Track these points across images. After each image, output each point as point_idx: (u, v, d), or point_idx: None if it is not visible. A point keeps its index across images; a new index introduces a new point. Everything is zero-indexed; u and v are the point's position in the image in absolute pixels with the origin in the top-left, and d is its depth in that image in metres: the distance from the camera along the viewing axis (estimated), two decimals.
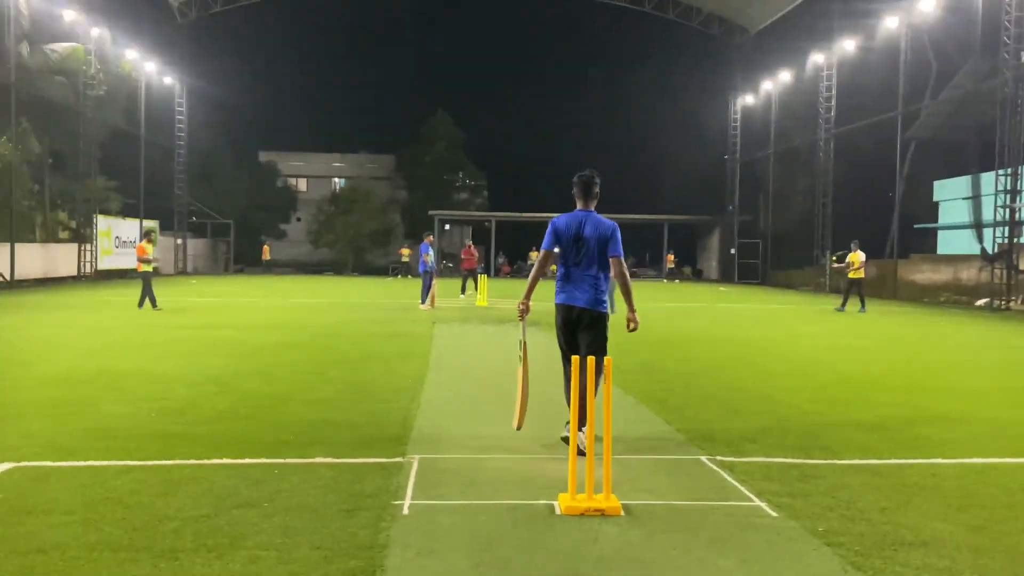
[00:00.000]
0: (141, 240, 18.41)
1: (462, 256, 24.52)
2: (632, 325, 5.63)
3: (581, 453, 4.58)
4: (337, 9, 54.51)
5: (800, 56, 35.47)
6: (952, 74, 28.40)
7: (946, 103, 29.48)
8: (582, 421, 5.09)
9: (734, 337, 13.68)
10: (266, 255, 44.77)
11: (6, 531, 3.78)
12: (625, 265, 5.58)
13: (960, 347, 13.16)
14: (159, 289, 21.80)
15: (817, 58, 34.20)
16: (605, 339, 5.53)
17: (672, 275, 44.20)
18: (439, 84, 67.63)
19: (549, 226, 5.66)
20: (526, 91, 64.49)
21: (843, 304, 20.52)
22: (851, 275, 20.38)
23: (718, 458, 5.36)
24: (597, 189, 5.72)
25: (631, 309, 5.62)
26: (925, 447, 5.80)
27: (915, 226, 37.02)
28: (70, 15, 29.71)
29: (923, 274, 29.21)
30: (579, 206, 5.69)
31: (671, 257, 44.74)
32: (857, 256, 20.01)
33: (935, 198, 38.19)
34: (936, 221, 38.34)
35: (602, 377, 5.10)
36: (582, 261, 5.51)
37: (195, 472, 4.82)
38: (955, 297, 25.43)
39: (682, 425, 6.36)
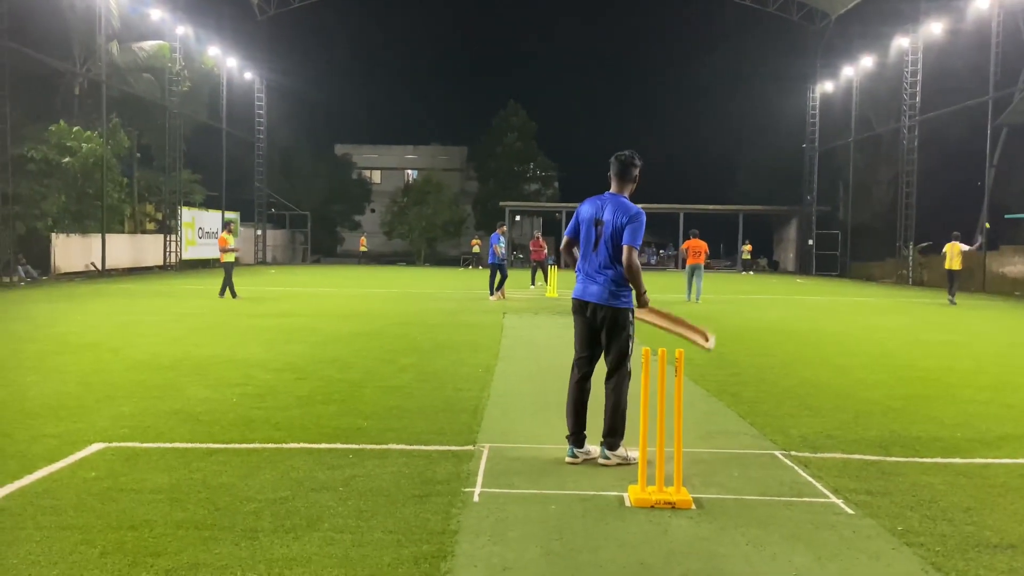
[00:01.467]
0: (222, 231, 19.02)
1: (531, 247, 24.55)
2: (641, 301, 5.09)
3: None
4: (411, 3, 55.09)
5: (883, 41, 34.24)
6: None
7: None
8: (610, 432, 4.94)
9: (811, 330, 13.35)
10: (363, 246, 45.94)
11: (100, 507, 3.98)
12: (636, 256, 4.87)
13: None
14: (239, 279, 22.45)
15: (902, 42, 32.93)
16: (627, 341, 5.01)
17: (747, 266, 43.34)
18: (511, 75, 67.89)
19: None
20: (599, 81, 64.07)
21: (951, 296, 20.52)
22: (946, 266, 20.34)
23: (793, 453, 5.26)
24: (635, 172, 5.19)
25: (640, 293, 5.05)
26: (1013, 447, 5.56)
27: (1006, 216, 35.36)
28: (157, 14, 30.83)
29: (1014, 266, 27.90)
30: (612, 189, 5.20)
31: (748, 247, 43.75)
32: (955, 247, 19.98)
33: None
34: None
35: (626, 385, 5.00)
36: (599, 248, 5.01)
37: (274, 455, 4.97)
38: None
39: (756, 419, 6.26)
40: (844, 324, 14.56)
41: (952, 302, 20.03)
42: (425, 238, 46.92)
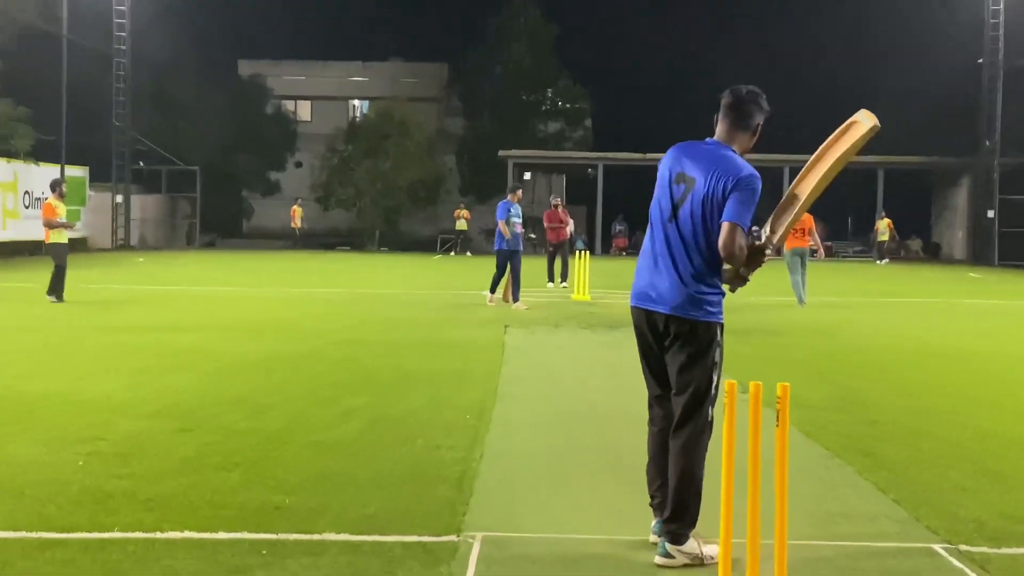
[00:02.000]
0: (51, 195, 19.03)
1: (546, 223, 24.29)
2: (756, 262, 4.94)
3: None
4: None
5: None
6: None
7: None
8: (674, 515, 4.93)
9: (991, 354, 13.34)
10: (296, 221, 44.98)
11: None
12: (741, 238, 4.78)
13: None
14: (87, 271, 22.48)
15: None
16: (711, 369, 4.99)
17: (886, 252, 43.19)
18: None
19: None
20: None
21: None
22: None
23: (963, 548, 5.26)
24: (755, 119, 5.15)
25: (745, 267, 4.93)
26: None
27: None
28: None
29: None
30: (717, 136, 5.18)
31: (888, 223, 43.34)
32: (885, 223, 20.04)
33: None
34: None
35: (704, 442, 4.97)
36: (680, 221, 4.98)
37: (145, 551, 4.97)
38: None
39: (904, 494, 6.26)
40: None
41: None
42: (382, 208, 46.89)
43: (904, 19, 45.40)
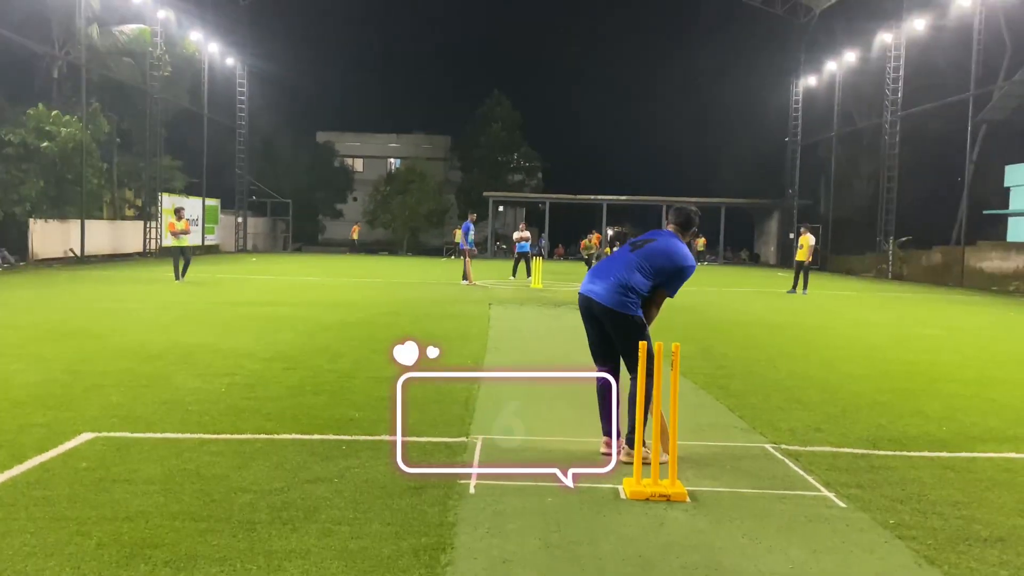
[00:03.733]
0: (172, 217, 19.11)
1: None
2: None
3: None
4: None
5: (866, 36, 34.49)
6: None
7: (1020, 84, 28.35)
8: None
9: (795, 323, 13.47)
10: (355, 235, 45.37)
11: (94, 498, 3.95)
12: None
13: None
14: (219, 265, 22.28)
15: (885, 38, 33.18)
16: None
17: (699, 258, 43.50)
18: (497, 65, 67.56)
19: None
20: (585, 72, 64.00)
21: (794, 287, 20.62)
22: (798, 257, 20.49)
23: (783, 447, 5.31)
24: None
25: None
26: (998, 441, 5.65)
27: (984, 212, 35.77)
28: None
29: (991, 262, 28.27)
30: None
31: (702, 240, 43.24)
32: (805, 238, 20.16)
33: (1006, 183, 36.73)
34: (1007, 207, 36.96)
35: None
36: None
37: (266, 446, 4.95)
38: None
39: (745, 412, 6.31)
40: (828, 318, 14.69)
41: (799, 292, 20.17)
42: (408, 227, 46.81)
43: (741, 105, 45.61)
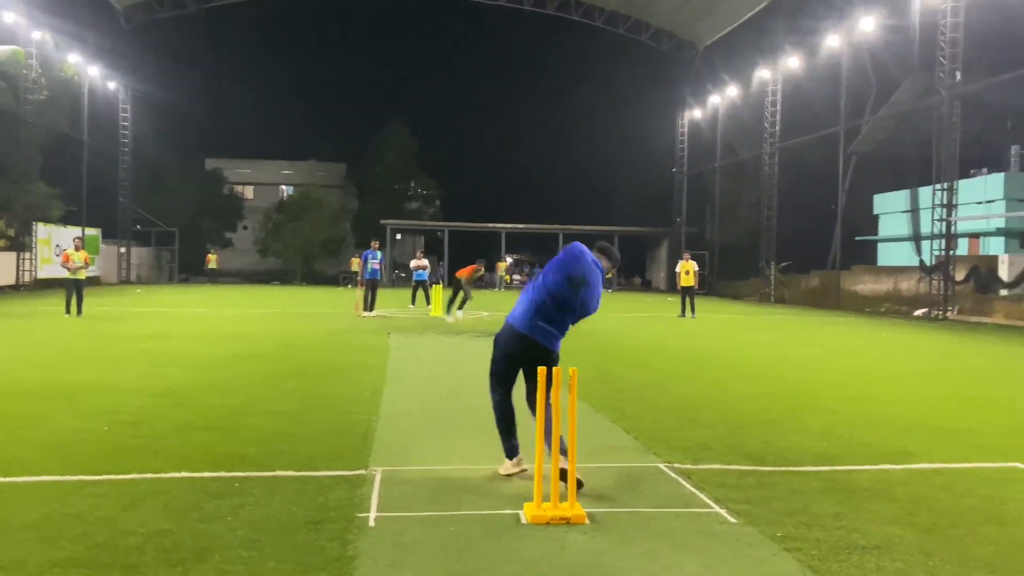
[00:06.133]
0: (69, 248, 18.20)
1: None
2: None
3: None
4: (289, 15, 54.04)
5: (747, 72, 36.29)
6: (892, 91, 29.38)
7: (886, 119, 30.45)
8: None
9: (686, 346, 13.91)
10: (211, 263, 43.66)
11: None
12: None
13: (902, 356, 13.58)
14: (100, 298, 21.28)
15: (763, 73, 35.01)
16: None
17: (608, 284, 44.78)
18: (392, 93, 67.60)
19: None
20: (479, 103, 64.84)
21: (683, 311, 21.51)
22: (683, 283, 21.58)
23: (676, 465, 5.47)
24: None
25: None
26: (875, 454, 5.99)
27: (857, 238, 38.09)
28: (10, 17, 28.90)
29: (865, 285, 30.06)
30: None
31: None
32: (689, 264, 21.49)
33: (876, 211, 39.35)
34: (877, 233, 39.50)
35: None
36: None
37: (154, 486, 4.74)
38: (895, 307, 26.22)
39: (640, 433, 6.47)
40: (716, 341, 15.24)
41: (688, 316, 21.11)
42: (302, 256, 45.87)
43: (631, 137, 47.12)
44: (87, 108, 35.62)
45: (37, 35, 30.61)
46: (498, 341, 5.16)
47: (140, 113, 41.19)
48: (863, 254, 36.74)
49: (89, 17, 35.13)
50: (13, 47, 30.04)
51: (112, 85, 38.16)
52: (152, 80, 40.47)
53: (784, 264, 33.73)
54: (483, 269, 20.22)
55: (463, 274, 19.13)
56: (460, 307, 18.95)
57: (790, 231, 34.25)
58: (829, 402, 8.21)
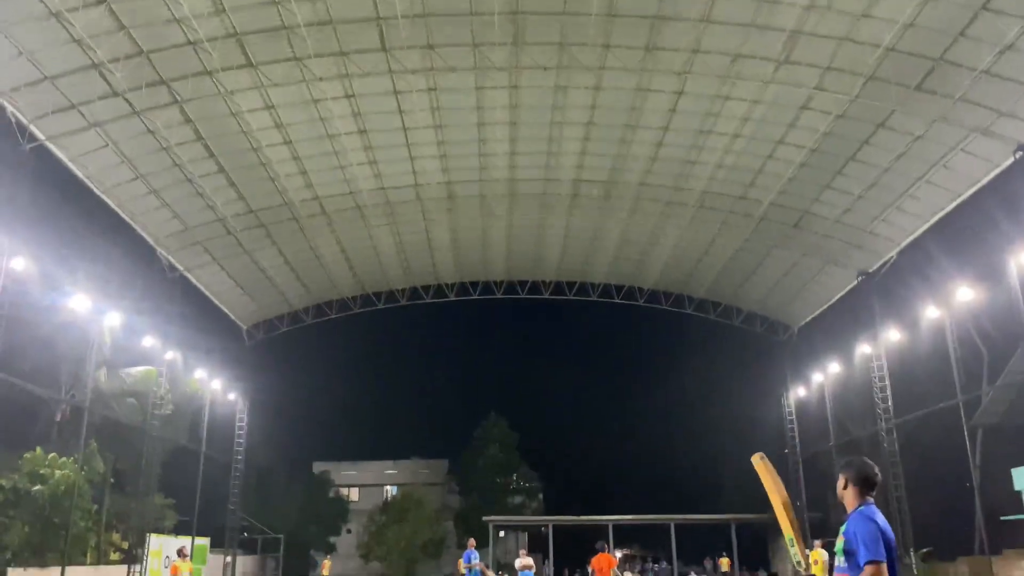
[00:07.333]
0: (176, 558, 18.43)
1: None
2: None
3: None
4: (394, 324, 58.23)
5: (848, 348, 36.12)
6: (1005, 356, 28.53)
7: (1006, 388, 29.27)
8: None
9: None
10: (325, 570, 42.77)
11: None
12: None
13: None
14: None
15: (864, 348, 34.74)
16: None
17: None
18: (492, 388, 69.77)
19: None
20: (581, 395, 65.88)
21: None
22: (813, 572, 20.25)
23: None
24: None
25: None
26: None
27: (1002, 518, 34.89)
28: (148, 341, 31.99)
29: (1022, 571, 26.98)
30: (860, 499, 4.71)
31: (726, 560, 42.32)
32: (818, 554, 19.67)
33: (1016, 487, 36.34)
34: (1022, 511, 36.14)
35: None
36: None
37: None
38: None
39: None
40: None
41: None
42: (404, 559, 44.97)
43: (736, 420, 46.30)
44: (207, 420, 37.78)
45: (169, 355, 33.61)
46: None
47: (254, 421, 43.40)
48: (1013, 536, 33.40)
49: (216, 333, 38.75)
50: (147, 367, 32.89)
51: (231, 396, 40.78)
52: (266, 388, 43.18)
53: (924, 550, 30.91)
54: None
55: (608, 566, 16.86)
56: None
57: (924, 514, 31.82)
58: None
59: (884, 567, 4.39)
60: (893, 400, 33.21)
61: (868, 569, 4.38)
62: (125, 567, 30.55)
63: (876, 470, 4.76)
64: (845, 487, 4.77)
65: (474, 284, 42.48)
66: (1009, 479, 36.61)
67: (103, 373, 30.75)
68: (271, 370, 44.66)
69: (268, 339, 42.48)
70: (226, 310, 39.82)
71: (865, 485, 4.72)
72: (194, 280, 35.89)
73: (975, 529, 29.91)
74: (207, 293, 37.46)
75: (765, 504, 43.32)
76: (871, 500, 4.64)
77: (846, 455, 37.53)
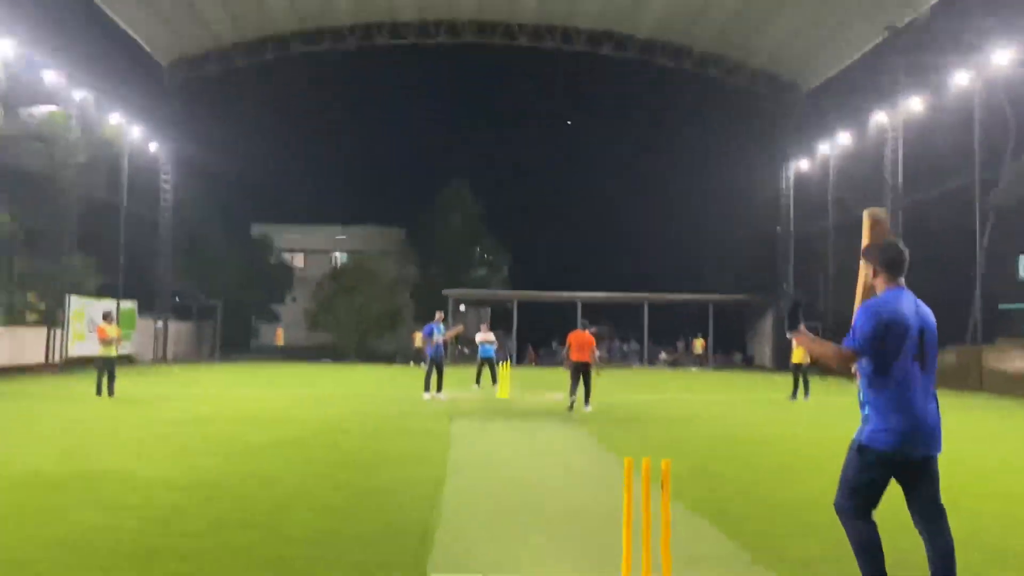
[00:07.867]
0: (102, 322, 18.98)
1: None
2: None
3: None
4: (343, 71, 56.12)
5: (861, 117, 35.92)
6: None
7: None
8: None
9: (798, 436, 13.46)
10: (280, 340, 45.02)
11: None
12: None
13: None
14: (135, 378, 21.93)
15: (880, 118, 34.58)
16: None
17: (697, 362, 44.23)
18: (455, 152, 68.97)
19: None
20: (553, 158, 65.46)
21: (794, 392, 20.95)
22: (794, 359, 20.94)
23: None
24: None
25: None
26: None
27: (1000, 306, 36.69)
28: (51, 77, 30.71)
29: (1013, 361, 28.77)
30: (888, 284, 4.76)
31: (701, 342, 44.87)
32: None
33: (1022, 275, 37.96)
34: None
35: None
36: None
37: None
38: None
39: (746, 540, 6.20)
40: (835, 428, 14.67)
41: (800, 398, 20.63)
42: (356, 331, 46.64)
43: (725, 194, 46.73)
44: (127, 172, 37.28)
45: (79, 95, 32.43)
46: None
47: (182, 178, 43.01)
48: (1009, 326, 35.27)
49: (131, 72, 37.20)
50: (52, 108, 31.81)
51: (153, 147, 40.01)
52: (197, 141, 42.26)
53: None
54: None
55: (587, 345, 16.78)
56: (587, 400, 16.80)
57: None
58: (970, 502, 7.74)
59: (854, 356, 4.59)
60: (904, 177, 33.56)
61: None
62: (44, 330, 31.33)
63: (902, 246, 4.71)
64: (875, 275, 4.77)
65: (437, 24, 40.60)
66: (1015, 267, 38.09)
67: (0, 112, 29.70)
68: (199, 119, 43.45)
69: (194, 82, 40.98)
70: (137, 38, 37.84)
71: (891, 268, 4.69)
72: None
73: (970, 318, 31.44)
74: (112, 15, 35.37)
75: (746, 284, 45.26)
76: (900, 284, 4.65)
77: (844, 236, 38.53)
